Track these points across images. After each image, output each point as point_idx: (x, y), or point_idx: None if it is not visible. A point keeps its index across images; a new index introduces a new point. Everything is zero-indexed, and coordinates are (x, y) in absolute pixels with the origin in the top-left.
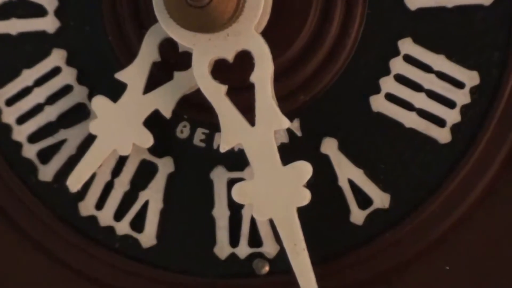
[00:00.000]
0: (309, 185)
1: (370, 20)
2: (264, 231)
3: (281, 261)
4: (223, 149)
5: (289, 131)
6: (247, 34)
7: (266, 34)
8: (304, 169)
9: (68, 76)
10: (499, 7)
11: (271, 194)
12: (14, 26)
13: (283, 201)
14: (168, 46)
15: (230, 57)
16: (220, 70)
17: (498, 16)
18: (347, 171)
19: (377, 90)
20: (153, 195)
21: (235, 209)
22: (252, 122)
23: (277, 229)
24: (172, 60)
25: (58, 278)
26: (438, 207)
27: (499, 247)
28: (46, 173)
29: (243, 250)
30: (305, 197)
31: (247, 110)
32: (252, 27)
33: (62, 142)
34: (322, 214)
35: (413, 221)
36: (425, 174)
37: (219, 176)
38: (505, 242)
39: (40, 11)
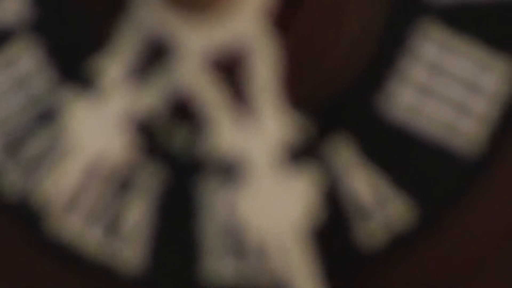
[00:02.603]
0: (318, 196)
1: (391, 10)
2: (265, 249)
3: (283, 283)
4: (215, 156)
5: (295, 135)
6: (247, 19)
7: (270, 21)
8: (311, 178)
9: (35, 71)
10: None
11: (272, 206)
12: None
13: (287, 215)
14: (153, 35)
15: (226, 46)
16: (214, 63)
17: None
18: (362, 180)
19: (396, 90)
20: (137, 208)
21: (231, 224)
22: (251, 125)
23: (279, 247)
24: (158, 50)
25: None
26: (462, 222)
27: None
28: (13, 181)
29: (239, 269)
30: (313, 210)
31: (246, 111)
32: (253, 10)
33: (31, 146)
34: (333, 229)
35: (436, 237)
36: (448, 184)
37: (212, 186)
38: None
39: None
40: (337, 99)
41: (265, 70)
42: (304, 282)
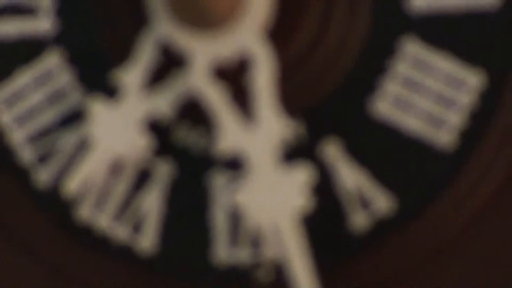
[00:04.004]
0: (311, 189)
1: (375, 21)
2: (265, 237)
3: (282, 268)
4: (221, 153)
5: (291, 134)
6: (248, 33)
7: (268, 34)
8: (305, 173)
9: (64, 78)
10: (505, 10)
11: (271, 198)
12: (7, 26)
13: (283, 206)
14: (166, 47)
15: (230, 58)
16: (219, 72)
17: (504, 19)
18: (350, 175)
19: (381, 94)
20: (152, 200)
21: (236, 214)
22: (252, 125)
23: (277, 235)
24: (171, 61)
25: (54, 285)
26: (441, 213)
27: (506, 254)
28: (43, 176)
29: (243, 256)
30: (306, 201)
31: (247, 113)
32: (254, 27)
33: (59, 145)
34: (324, 219)
35: (417, 227)
36: (429, 179)
37: (219, 180)
38: (509, 246)
39: (34, 11)
40: (324, 102)
41: (263, 77)
42: (298, 264)
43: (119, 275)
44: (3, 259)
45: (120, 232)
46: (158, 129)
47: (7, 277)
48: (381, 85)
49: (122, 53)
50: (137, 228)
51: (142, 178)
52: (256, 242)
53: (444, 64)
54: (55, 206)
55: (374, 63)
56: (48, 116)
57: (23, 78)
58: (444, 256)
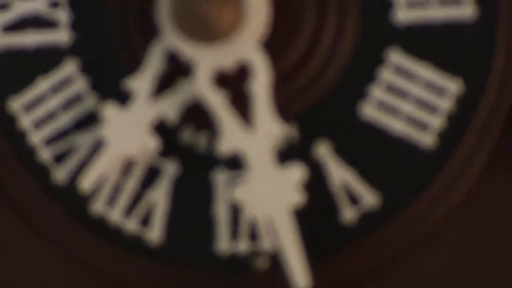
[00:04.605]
0: (304, 186)
1: (362, 33)
2: (262, 229)
3: (277, 257)
4: (222, 153)
5: (285, 136)
6: (247, 45)
7: (264, 45)
8: (298, 171)
9: (80, 84)
10: (482, 22)
11: (267, 194)
12: (30, 38)
13: (279, 201)
14: (173, 56)
15: (230, 67)
16: (220, 79)
17: (481, 30)
18: (339, 173)
19: (367, 99)
20: (159, 195)
21: (235, 208)
22: (250, 127)
23: (272, 227)
24: (177, 69)
25: (71, 272)
26: (423, 207)
27: (480, 244)
28: (60, 174)
29: (243, 246)
30: (299, 197)
31: (246, 117)
32: (252, 39)
33: (75, 146)
34: (315, 213)
35: (401, 220)
36: (412, 176)
37: (220, 177)
38: (483, 238)
39: (53, 25)
40: (316, 106)
41: (260, 84)
42: (292, 254)
43: (129, 263)
44: (25, 248)
45: (130, 224)
46: (165, 131)
47: (27, 263)
48: (368, 91)
49: (132, 62)
50: (146, 220)
51: (151, 176)
52: (254, 234)
53: (425, 72)
54: (72, 201)
55: (361, 71)
56: (65, 119)
57: (43, 84)
58: (425, 246)
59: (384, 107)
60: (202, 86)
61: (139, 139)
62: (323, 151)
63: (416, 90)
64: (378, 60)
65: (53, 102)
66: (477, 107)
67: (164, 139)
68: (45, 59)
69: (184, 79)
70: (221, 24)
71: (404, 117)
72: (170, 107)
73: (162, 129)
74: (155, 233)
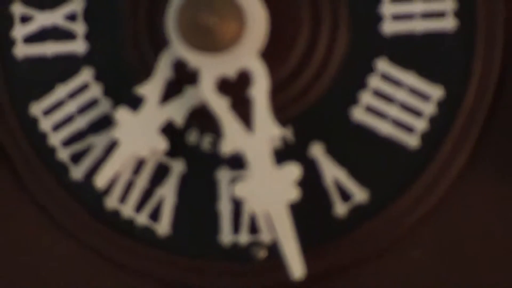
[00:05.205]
0: (299, 183)
1: (352, 43)
2: (261, 222)
3: (275, 247)
4: (225, 153)
5: (282, 137)
6: (248, 55)
7: (264, 55)
8: (294, 170)
9: (95, 90)
10: (462, 34)
11: (266, 190)
12: (50, 48)
13: (276, 197)
14: (180, 65)
15: (232, 74)
16: (223, 86)
17: (460, 40)
18: (332, 171)
19: (357, 103)
20: (168, 191)
21: (237, 203)
22: (250, 130)
23: (271, 221)
24: (184, 76)
25: (88, 262)
26: (409, 202)
27: (462, 236)
28: (77, 173)
29: (244, 237)
30: (295, 193)
31: (247, 120)
32: (252, 50)
33: (90, 147)
34: (310, 207)
35: (388, 215)
36: (398, 174)
37: (223, 175)
38: (463, 231)
39: (71, 36)
40: (310, 111)
41: (260, 91)
42: (288, 244)
43: (140, 253)
44: (45, 239)
45: (141, 218)
46: (173, 133)
47: (47, 254)
48: (358, 97)
49: (143, 70)
50: (155, 214)
51: (160, 173)
52: (253, 226)
53: (410, 80)
54: (88, 197)
55: (351, 79)
56: (82, 123)
57: (62, 91)
58: (409, 238)
59: (372, 111)
60: (207, 92)
61: (149, 141)
62: (317, 151)
63: (401, 95)
64: (367, 69)
65: (71, 107)
66: (457, 111)
67: (172, 140)
68: (63, 68)
69: (190, 86)
70: (224, 37)
71: (390, 120)
72: (177, 111)
73: (170, 131)
74: (163, 226)
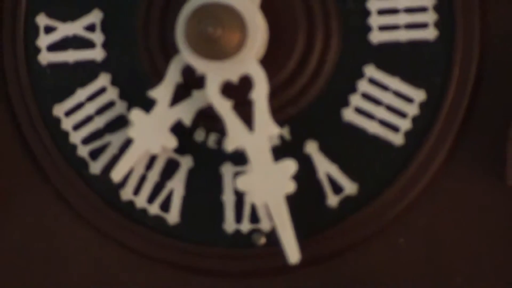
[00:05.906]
0: (295, 177)
1: (343, 51)
2: (261, 212)
3: (274, 235)
4: (228, 150)
5: (280, 136)
6: (249, 62)
7: (263, 62)
8: (291, 165)
9: (112, 94)
10: (441, 42)
11: (265, 184)
12: (71, 55)
13: (274, 189)
14: (188, 70)
15: (235, 79)
16: (227, 89)
17: (440, 49)
18: (324, 166)
19: (348, 105)
20: (177, 185)
21: (240, 195)
22: (251, 129)
23: (270, 211)
24: (192, 81)
25: (105, 249)
26: (394, 194)
27: (442, 225)
28: (96, 168)
29: (246, 226)
30: (291, 186)
31: (248, 120)
32: (253, 57)
33: (107, 144)
34: (305, 199)
35: (375, 205)
36: (384, 169)
37: (227, 170)
38: (446, 222)
39: (90, 44)
40: (305, 112)
41: (260, 94)
42: (285, 232)
43: (152, 240)
44: (67, 228)
45: (153, 208)
46: (182, 131)
47: (68, 241)
48: (349, 100)
49: (155, 75)
50: (166, 205)
51: (170, 168)
52: (254, 216)
53: (395, 84)
54: (105, 189)
55: (342, 83)
56: (99, 123)
57: (81, 94)
58: (396, 226)
59: (361, 112)
60: (212, 95)
61: (160, 139)
62: (311, 148)
63: (387, 98)
64: (356, 74)
65: (90, 109)
66: (438, 112)
67: (181, 138)
68: (83, 73)
69: (197, 90)
70: (228, 46)
71: (378, 120)
72: (185, 113)
73: (179, 130)
74: (173, 215)
